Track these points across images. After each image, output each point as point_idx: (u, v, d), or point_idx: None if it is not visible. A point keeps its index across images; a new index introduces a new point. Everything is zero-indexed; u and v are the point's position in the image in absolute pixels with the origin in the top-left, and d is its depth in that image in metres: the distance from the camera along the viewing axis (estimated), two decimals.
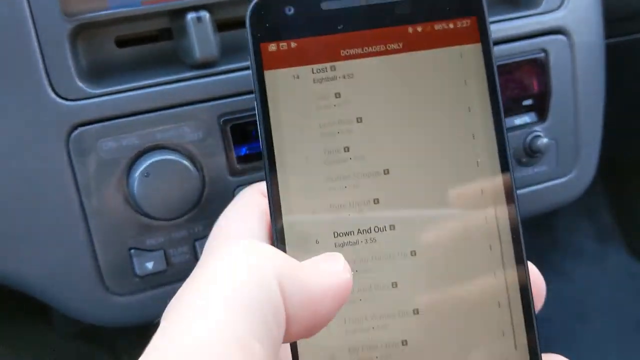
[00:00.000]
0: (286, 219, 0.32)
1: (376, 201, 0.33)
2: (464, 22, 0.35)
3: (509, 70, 0.57)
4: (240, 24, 0.53)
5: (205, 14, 0.48)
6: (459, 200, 0.33)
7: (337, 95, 0.34)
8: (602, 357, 1.15)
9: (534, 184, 0.60)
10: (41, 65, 0.46)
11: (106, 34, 0.49)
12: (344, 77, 0.34)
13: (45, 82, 0.46)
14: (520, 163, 0.58)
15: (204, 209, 0.49)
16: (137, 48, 0.50)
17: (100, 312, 0.51)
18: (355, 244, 0.32)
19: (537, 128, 0.58)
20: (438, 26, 0.34)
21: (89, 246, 0.48)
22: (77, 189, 0.47)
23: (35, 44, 0.45)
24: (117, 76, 0.49)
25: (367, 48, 0.34)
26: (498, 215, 0.33)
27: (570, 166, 0.61)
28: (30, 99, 0.46)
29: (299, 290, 0.27)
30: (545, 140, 0.57)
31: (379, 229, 0.32)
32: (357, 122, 0.34)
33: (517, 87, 0.57)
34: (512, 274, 0.33)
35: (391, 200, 0.33)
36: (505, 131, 0.34)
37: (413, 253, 0.33)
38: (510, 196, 0.34)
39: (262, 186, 0.37)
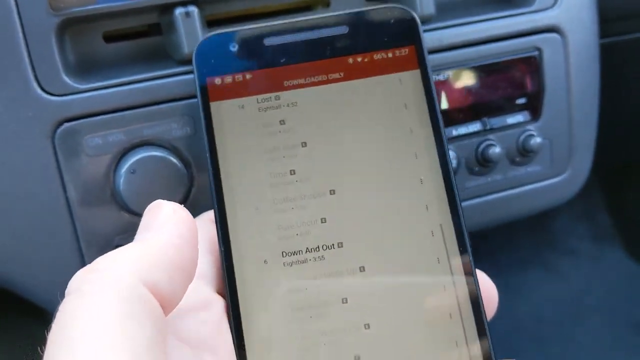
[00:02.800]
0: (234, 240, 0.33)
1: (323, 220, 0.33)
2: (403, 51, 0.36)
3: (502, 68, 0.56)
4: (230, 20, 0.52)
5: (193, 9, 0.47)
6: (404, 216, 0.34)
7: (282, 122, 0.35)
8: (598, 359, 1.15)
9: (527, 183, 0.59)
10: (27, 60, 0.45)
11: (94, 29, 0.49)
12: (288, 105, 0.35)
13: (31, 77, 0.45)
14: (513, 163, 0.58)
15: (191, 206, 0.48)
16: (125, 43, 0.50)
17: None
18: (304, 262, 0.33)
19: (530, 127, 0.58)
20: (377, 56, 0.36)
21: (74, 244, 0.48)
22: (63, 186, 0.46)
23: (21, 38, 0.45)
24: (105, 71, 0.48)
25: (309, 78, 0.36)
26: (444, 228, 0.34)
27: (564, 166, 0.60)
28: (16, 93, 0.45)
29: (161, 269, 0.27)
30: (538, 139, 0.57)
31: (327, 247, 0.33)
32: (302, 146, 0.35)
33: (510, 85, 0.57)
34: (462, 285, 0.33)
35: (338, 219, 0.34)
36: (447, 149, 0.35)
37: (362, 269, 0.33)
38: (454, 209, 0.34)
39: (210, 215, 0.38)
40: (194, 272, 0.29)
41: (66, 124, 0.46)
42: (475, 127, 0.56)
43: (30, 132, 0.46)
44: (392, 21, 0.37)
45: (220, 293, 0.33)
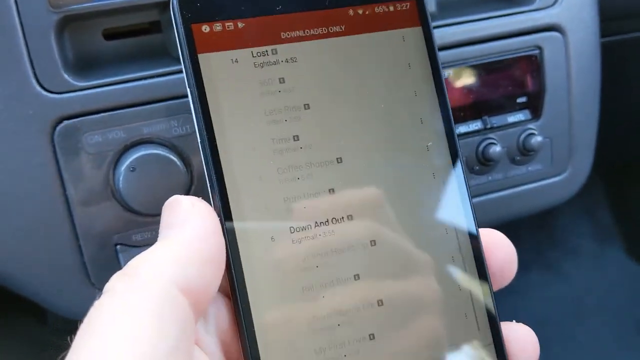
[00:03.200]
0: (237, 218, 0.30)
1: (331, 191, 0.31)
2: (404, 5, 0.34)
3: (503, 67, 0.56)
4: None
5: None
6: (411, 185, 0.33)
7: (281, 80, 0.32)
8: (600, 358, 1.15)
9: (528, 182, 0.59)
10: (26, 57, 0.45)
11: (94, 27, 0.49)
12: (287, 60, 0.32)
13: (31, 74, 0.45)
14: (514, 161, 0.58)
15: None
16: (125, 41, 0.50)
17: (87, 309, 0.50)
18: (314, 238, 0.31)
19: (531, 126, 0.57)
20: (378, 9, 0.34)
21: (74, 242, 0.47)
22: (62, 183, 0.46)
23: (21, 35, 0.45)
24: (104, 69, 0.48)
25: (308, 30, 0.32)
26: (451, 197, 0.33)
27: (564, 165, 0.60)
28: (15, 91, 0.45)
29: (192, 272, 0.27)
30: (539, 138, 0.56)
31: (337, 220, 0.31)
32: (305, 108, 0.32)
33: (511, 84, 0.56)
34: (469, 254, 0.33)
35: (347, 189, 0.32)
36: (451, 114, 0.34)
37: (373, 243, 0.32)
38: (459, 175, 0.33)
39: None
40: (224, 261, 0.29)
41: (65, 122, 0.46)
42: (475, 125, 0.56)
43: (29, 129, 0.46)
44: None
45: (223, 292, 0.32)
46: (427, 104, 0.34)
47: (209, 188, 0.30)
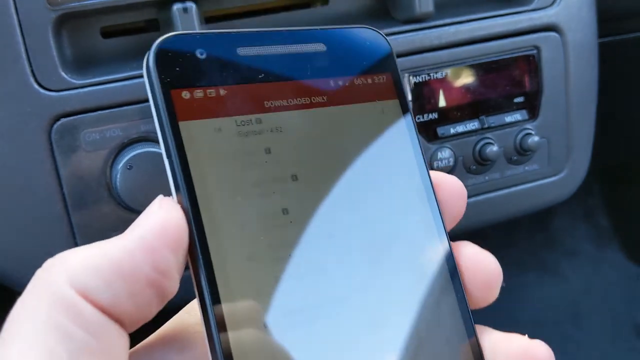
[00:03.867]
0: (226, 300, 0.27)
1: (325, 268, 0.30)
2: (381, 78, 0.34)
3: (500, 67, 0.56)
4: (228, 17, 0.52)
5: (191, 5, 0.47)
6: (407, 254, 0.32)
7: (267, 150, 0.30)
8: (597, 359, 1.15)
9: (525, 182, 0.59)
10: (24, 55, 0.45)
11: (91, 24, 0.49)
12: (272, 130, 0.30)
13: (28, 72, 0.45)
14: (510, 161, 0.58)
15: None
16: (122, 39, 0.50)
17: None
18: (313, 315, 0.29)
19: (528, 126, 0.57)
20: (358, 81, 0.33)
21: (70, 239, 0.47)
22: (59, 181, 0.46)
23: (18, 32, 0.45)
24: (102, 67, 0.48)
25: (291, 100, 0.31)
26: (446, 272, 0.32)
27: (561, 165, 0.60)
28: (12, 88, 0.45)
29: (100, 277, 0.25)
30: (536, 138, 0.57)
31: (331, 301, 0.29)
32: (293, 180, 0.30)
33: (509, 84, 0.57)
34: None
35: (341, 263, 0.30)
36: (432, 185, 0.33)
37: (379, 326, 0.30)
38: (446, 243, 0.33)
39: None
40: (148, 282, 0.25)
41: (63, 119, 0.46)
42: (473, 125, 0.56)
43: (26, 127, 0.46)
44: (368, 44, 0.34)
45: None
46: (416, 176, 0.33)
47: (192, 271, 0.27)
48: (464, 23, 0.55)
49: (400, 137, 0.34)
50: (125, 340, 0.25)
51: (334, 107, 0.32)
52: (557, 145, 0.59)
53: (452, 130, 0.55)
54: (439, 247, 0.32)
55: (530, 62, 0.57)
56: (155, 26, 0.50)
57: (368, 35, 0.34)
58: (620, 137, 0.92)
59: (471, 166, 0.56)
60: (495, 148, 0.55)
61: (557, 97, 0.58)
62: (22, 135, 0.46)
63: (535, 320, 1.20)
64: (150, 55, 0.28)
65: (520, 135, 0.57)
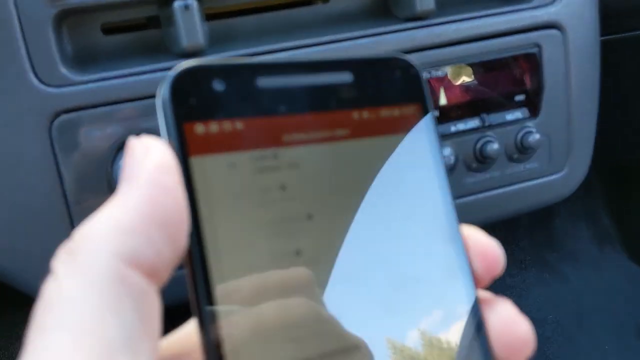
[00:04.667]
0: (229, 345, 0.26)
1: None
2: (409, 109, 0.32)
3: (501, 65, 0.56)
4: (229, 14, 0.52)
5: (192, 2, 0.47)
6: (430, 304, 0.30)
7: (283, 187, 0.29)
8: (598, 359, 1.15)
9: (525, 180, 0.59)
10: (24, 51, 0.45)
11: (92, 21, 0.49)
12: (289, 166, 0.29)
13: (28, 68, 0.45)
14: (511, 159, 0.58)
15: None
16: (123, 36, 0.50)
17: None
18: None
19: (529, 124, 0.57)
20: (384, 112, 0.31)
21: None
22: (60, 178, 0.46)
23: (18, 29, 0.45)
24: (103, 64, 0.48)
25: (311, 133, 0.30)
26: (472, 302, 0.30)
27: (562, 163, 0.60)
28: (12, 84, 0.45)
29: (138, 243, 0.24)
30: (537, 136, 0.56)
31: (345, 350, 0.28)
32: (308, 219, 0.29)
33: (510, 82, 0.56)
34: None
35: (356, 312, 0.28)
36: (459, 229, 0.31)
37: None
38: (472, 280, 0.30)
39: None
40: (182, 221, 0.25)
41: (63, 116, 0.46)
42: (473, 123, 0.56)
43: (27, 123, 0.46)
44: (397, 72, 0.32)
45: None
46: (441, 210, 0.31)
47: (197, 315, 0.26)
48: (465, 21, 0.55)
49: (427, 172, 0.31)
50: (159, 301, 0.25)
51: (356, 140, 0.31)
52: (557, 143, 0.59)
53: (453, 129, 0.55)
54: (466, 304, 0.30)
55: (532, 60, 0.57)
56: (156, 23, 0.50)
57: (397, 64, 0.32)
58: (622, 137, 0.92)
59: (472, 164, 0.56)
60: (495, 146, 0.55)
61: (558, 95, 0.58)
62: (22, 131, 0.46)
63: (536, 320, 1.20)
64: (165, 86, 0.27)
65: (521, 134, 0.57)
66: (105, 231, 0.24)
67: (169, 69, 0.47)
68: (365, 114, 0.31)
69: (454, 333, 0.30)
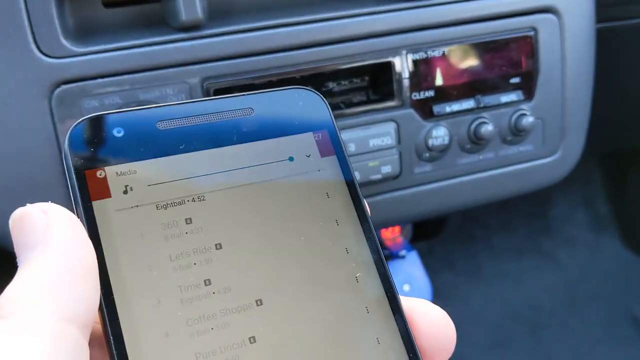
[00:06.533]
0: None
1: (252, 340, 0.28)
2: (316, 136, 0.33)
3: (498, 47, 0.56)
4: None
5: None
6: (345, 324, 0.30)
7: (188, 220, 0.29)
8: (591, 347, 1.15)
9: (519, 162, 0.60)
10: (26, 22, 0.46)
11: None
12: (194, 200, 0.30)
13: (30, 39, 0.46)
14: (505, 141, 0.58)
15: None
16: (123, 9, 0.50)
17: None
18: None
19: (523, 106, 0.58)
20: (288, 142, 0.32)
21: (69, 206, 0.48)
22: (58, 147, 0.47)
23: (21, 0, 0.45)
24: (103, 36, 0.49)
25: (214, 168, 0.31)
26: (388, 331, 0.30)
27: (555, 146, 0.61)
28: (14, 55, 0.46)
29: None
30: (531, 119, 0.57)
31: None
32: (217, 248, 0.29)
33: (505, 64, 0.57)
34: None
35: (271, 335, 0.28)
36: (377, 241, 0.31)
37: None
38: (396, 307, 0.30)
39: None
40: (95, 269, 0.26)
41: (63, 86, 0.47)
42: (468, 104, 0.56)
43: (27, 93, 0.46)
44: (300, 104, 0.33)
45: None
46: (351, 232, 0.31)
47: (107, 352, 0.26)
48: (463, 2, 0.55)
49: (339, 193, 0.32)
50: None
51: (259, 170, 0.31)
52: (551, 126, 0.60)
53: (448, 109, 0.56)
54: (384, 319, 0.31)
55: (528, 43, 0.57)
56: None
57: (299, 95, 0.33)
58: (619, 124, 0.93)
59: (466, 145, 0.57)
60: (490, 127, 0.56)
61: (553, 79, 0.58)
62: (23, 101, 0.46)
63: (531, 306, 1.21)
64: (66, 139, 0.28)
65: (515, 116, 0.57)
66: (35, 292, 0.24)
67: (167, 42, 0.48)
68: (268, 145, 0.32)
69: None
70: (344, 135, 0.52)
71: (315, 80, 0.53)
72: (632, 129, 0.94)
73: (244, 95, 0.32)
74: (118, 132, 0.29)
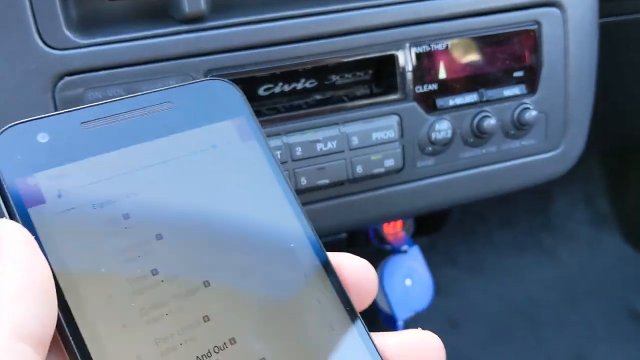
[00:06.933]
0: None
1: (206, 319, 0.29)
2: (234, 124, 0.34)
3: (501, 40, 0.56)
4: None
5: None
6: (292, 297, 0.32)
7: (126, 216, 0.30)
8: (591, 343, 1.16)
9: (521, 156, 0.60)
10: (29, 13, 0.46)
11: None
12: (127, 196, 0.30)
13: (34, 30, 0.46)
14: (508, 135, 0.58)
15: None
16: (127, 1, 0.50)
17: None
18: None
19: (526, 100, 0.58)
20: (209, 130, 0.34)
21: None
22: None
23: None
24: (106, 28, 0.49)
25: (143, 162, 0.31)
26: (331, 306, 0.32)
27: (558, 140, 0.61)
28: (18, 46, 0.46)
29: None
30: (534, 113, 0.57)
31: (219, 348, 0.29)
32: (157, 239, 0.30)
33: (508, 58, 0.57)
34: None
35: (222, 311, 0.30)
36: (302, 208, 0.33)
37: None
38: (330, 271, 0.33)
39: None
40: (52, 286, 0.26)
41: (67, 78, 0.47)
42: (471, 97, 0.56)
43: (31, 84, 0.46)
44: (217, 94, 0.34)
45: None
46: (279, 205, 0.33)
47: (65, 353, 0.27)
48: None
49: (261, 173, 0.33)
50: None
51: (185, 160, 0.32)
52: (554, 120, 0.60)
53: (451, 102, 0.56)
54: (319, 273, 0.32)
55: (531, 37, 0.57)
56: None
57: (215, 86, 0.35)
58: (621, 120, 0.93)
59: (468, 139, 0.57)
60: (492, 121, 0.56)
61: (556, 73, 0.58)
62: (27, 92, 0.46)
63: (530, 301, 1.21)
64: None
65: (518, 110, 0.57)
66: None
67: (170, 34, 0.48)
68: (191, 135, 0.33)
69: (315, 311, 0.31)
70: (347, 129, 0.52)
71: (319, 72, 0.53)
72: (634, 124, 0.94)
73: (161, 90, 0.33)
74: (43, 138, 0.29)
